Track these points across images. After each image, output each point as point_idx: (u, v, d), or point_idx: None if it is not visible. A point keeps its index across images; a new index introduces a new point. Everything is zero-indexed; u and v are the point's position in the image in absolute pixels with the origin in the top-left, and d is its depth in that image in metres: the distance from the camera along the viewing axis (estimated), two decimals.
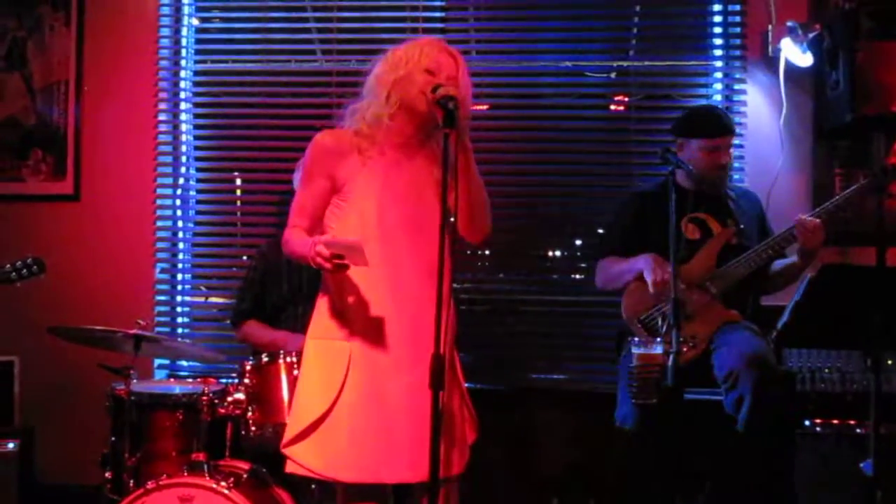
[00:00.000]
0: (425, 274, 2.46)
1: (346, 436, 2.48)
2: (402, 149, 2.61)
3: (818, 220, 3.34)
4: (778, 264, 3.50)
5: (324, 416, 2.50)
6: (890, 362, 3.34)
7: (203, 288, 4.53)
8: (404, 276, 2.54)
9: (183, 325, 4.48)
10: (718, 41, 4.28)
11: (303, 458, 2.51)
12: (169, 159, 4.45)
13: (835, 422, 3.34)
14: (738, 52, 4.22)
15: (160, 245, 4.43)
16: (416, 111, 2.55)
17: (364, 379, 2.51)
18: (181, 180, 4.49)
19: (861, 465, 2.82)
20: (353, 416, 2.49)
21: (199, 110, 4.49)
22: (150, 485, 2.98)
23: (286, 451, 2.54)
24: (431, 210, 2.47)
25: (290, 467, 2.55)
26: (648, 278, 3.34)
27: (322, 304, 2.63)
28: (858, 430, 3.29)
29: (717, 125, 3.53)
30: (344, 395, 2.50)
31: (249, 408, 3.10)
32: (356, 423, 2.48)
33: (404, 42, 2.65)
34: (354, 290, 2.54)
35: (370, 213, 2.55)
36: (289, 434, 2.55)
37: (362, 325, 2.53)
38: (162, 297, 4.43)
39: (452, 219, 2.54)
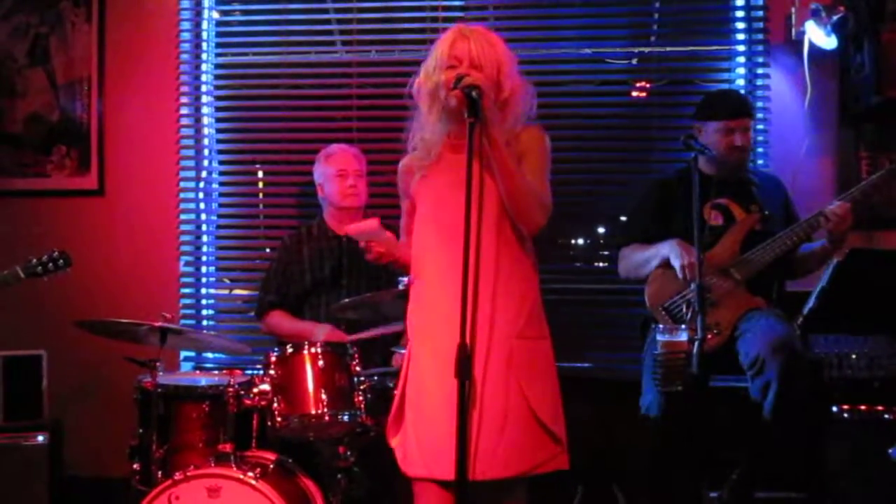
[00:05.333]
0: (484, 270, 2.49)
1: (412, 431, 2.53)
2: (453, 151, 2.61)
3: (847, 205, 3.30)
4: (804, 249, 3.46)
5: (396, 409, 2.61)
6: None
7: (227, 280, 4.55)
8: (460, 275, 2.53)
9: (208, 318, 4.50)
10: (741, 25, 4.23)
11: (396, 449, 2.61)
12: (191, 152, 4.47)
13: (862, 408, 3.32)
14: (760, 36, 4.17)
15: (184, 238, 4.45)
16: (451, 112, 2.56)
17: (421, 376, 2.56)
18: (204, 173, 4.50)
19: (889, 450, 2.80)
20: (414, 411, 2.54)
21: (221, 103, 4.50)
22: (177, 476, 3.00)
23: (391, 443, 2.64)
24: (484, 206, 2.50)
25: None
26: (676, 263, 3.32)
27: None
28: (886, 416, 3.27)
29: (730, 107, 3.51)
30: (407, 392, 2.59)
31: (275, 399, 3.11)
32: (416, 419, 2.53)
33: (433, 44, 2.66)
34: (416, 292, 2.63)
35: (427, 219, 2.62)
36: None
37: (420, 326, 2.61)
38: (187, 290, 4.45)
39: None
